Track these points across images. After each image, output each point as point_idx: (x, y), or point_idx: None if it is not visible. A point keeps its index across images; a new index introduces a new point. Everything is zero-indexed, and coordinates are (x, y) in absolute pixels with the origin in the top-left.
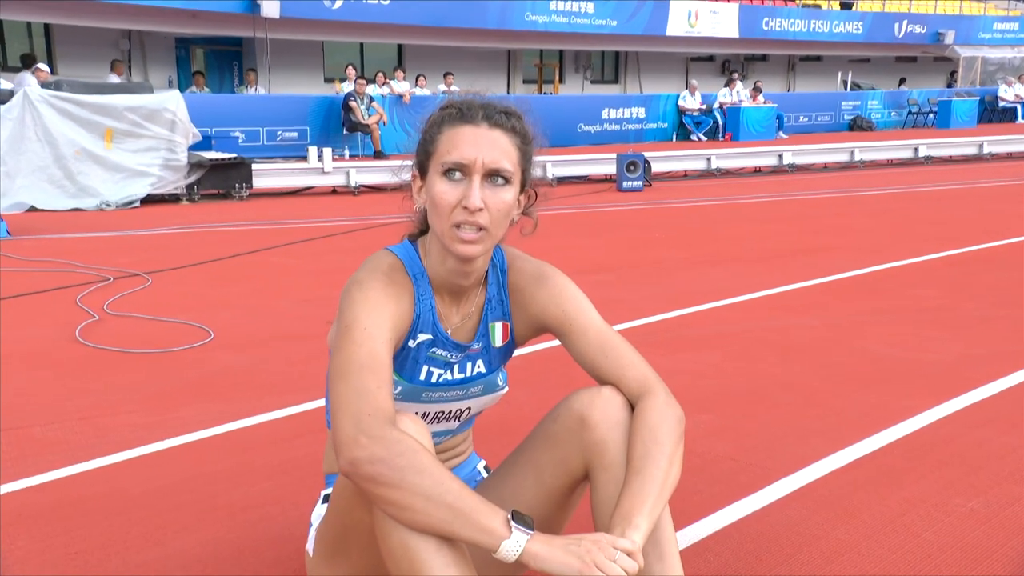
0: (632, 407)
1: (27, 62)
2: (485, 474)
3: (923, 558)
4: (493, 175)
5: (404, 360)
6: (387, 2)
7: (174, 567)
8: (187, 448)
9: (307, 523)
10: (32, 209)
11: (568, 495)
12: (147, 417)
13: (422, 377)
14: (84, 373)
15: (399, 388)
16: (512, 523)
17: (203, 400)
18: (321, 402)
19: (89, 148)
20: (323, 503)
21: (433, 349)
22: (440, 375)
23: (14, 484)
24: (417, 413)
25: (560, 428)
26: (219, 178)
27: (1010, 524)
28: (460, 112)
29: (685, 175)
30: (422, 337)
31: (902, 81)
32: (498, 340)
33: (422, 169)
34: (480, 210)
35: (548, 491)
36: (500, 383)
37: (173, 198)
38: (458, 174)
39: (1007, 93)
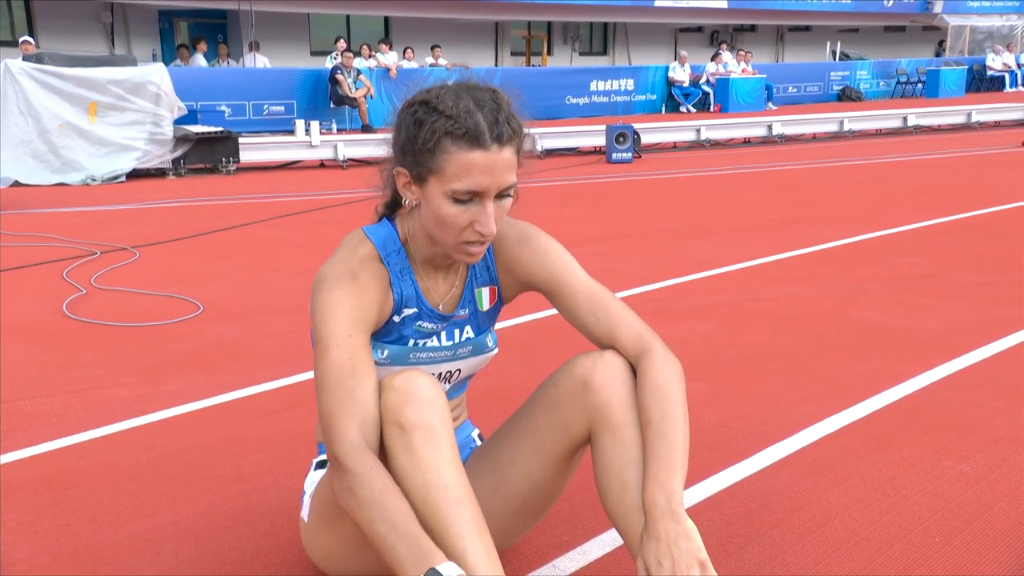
0: (633, 368)
1: None
2: (479, 442)
3: (913, 520)
4: (502, 193)
5: (389, 331)
6: None
7: (166, 537)
8: (178, 420)
9: (298, 492)
10: (16, 184)
11: (568, 460)
12: (137, 390)
13: (409, 344)
14: (72, 347)
15: (386, 352)
16: None
17: (193, 373)
18: (309, 375)
19: (73, 122)
20: (315, 470)
21: (419, 322)
22: (425, 343)
23: (5, 457)
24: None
25: (562, 392)
26: (205, 152)
27: (999, 486)
28: (467, 133)
29: (674, 146)
30: (407, 311)
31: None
32: (485, 304)
33: (416, 175)
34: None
35: (548, 456)
36: (490, 344)
37: (159, 172)
38: (468, 201)
39: (995, 62)
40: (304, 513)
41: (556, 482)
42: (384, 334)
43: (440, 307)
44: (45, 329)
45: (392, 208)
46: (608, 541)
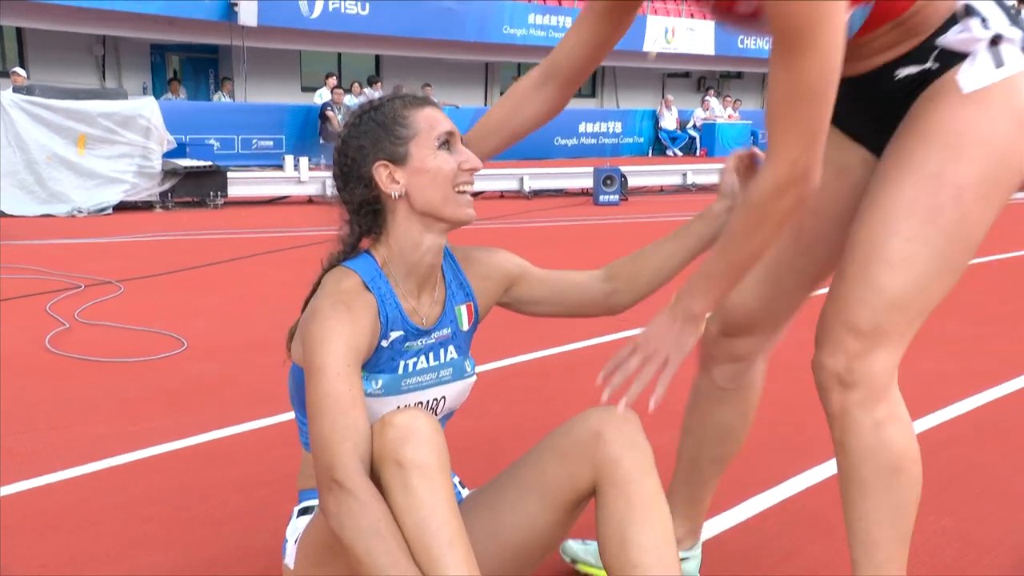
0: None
1: None
2: (460, 488)
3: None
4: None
5: (379, 358)
6: (365, 12)
7: None
8: (158, 460)
9: (279, 535)
10: (1, 215)
11: (571, 511)
12: (118, 427)
13: (400, 370)
14: (54, 382)
15: (379, 382)
16: None
17: (175, 411)
18: (293, 415)
19: (62, 154)
20: (298, 517)
21: (407, 343)
22: (415, 363)
23: None
24: (399, 407)
25: (572, 442)
26: (193, 186)
27: (983, 541)
28: (415, 98)
29: (661, 190)
30: (394, 335)
31: None
32: (464, 323)
33: (397, 156)
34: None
35: (551, 504)
36: (468, 369)
37: (146, 205)
38: (448, 144)
39: None
40: (289, 560)
41: (556, 532)
42: (374, 363)
43: (423, 322)
44: (27, 363)
45: (356, 243)
46: None
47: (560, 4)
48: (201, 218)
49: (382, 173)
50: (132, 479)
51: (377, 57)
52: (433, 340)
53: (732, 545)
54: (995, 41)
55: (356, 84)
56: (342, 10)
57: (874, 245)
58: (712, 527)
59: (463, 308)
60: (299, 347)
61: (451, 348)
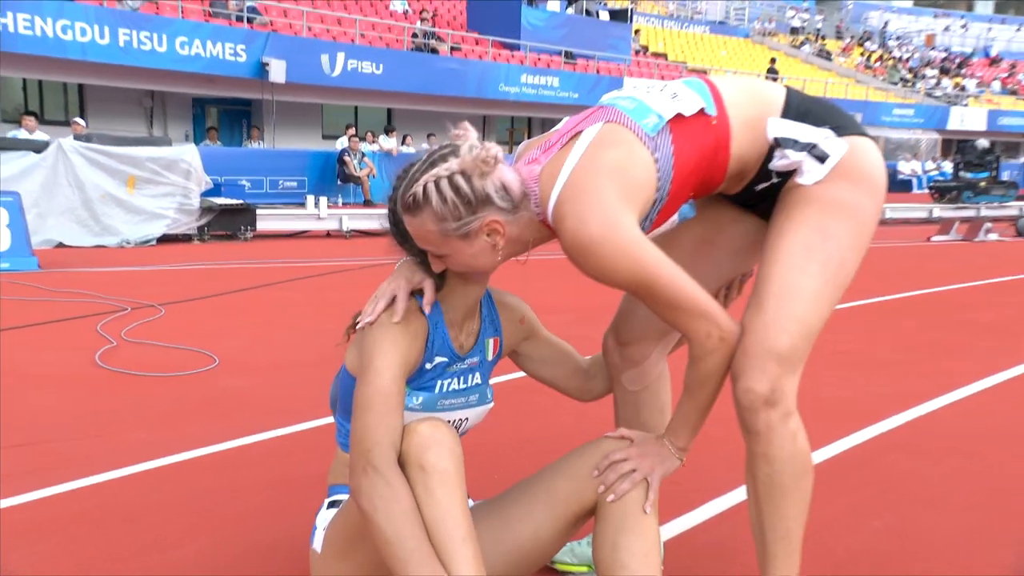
0: None
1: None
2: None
3: (836, 567)
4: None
5: (422, 378)
6: (379, 71)
7: (177, 572)
8: (192, 463)
9: (300, 531)
10: (60, 245)
11: (573, 523)
12: (158, 434)
13: (437, 389)
14: (102, 394)
15: (420, 399)
16: None
17: (208, 420)
18: (314, 423)
19: (113, 193)
20: (328, 508)
21: (449, 367)
22: (450, 385)
23: (37, 493)
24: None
25: (584, 464)
26: (227, 221)
27: (918, 539)
28: None
29: None
30: (439, 359)
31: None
32: (490, 354)
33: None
34: None
35: (557, 516)
36: (489, 396)
37: (186, 238)
38: None
39: (905, 167)
40: (316, 545)
41: (558, 541)
42: (418, 381)
43: (461, 349)
44: (79, 377)
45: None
46: None
47: (548, 67)
48: (233, 249)
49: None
50: (169, 480)
51: (389, 110)
52: (466, 366)
53: (696, 541)
54: (811, 147)
55: (370, 133)
56: (359, 69)
57: (788, 283)
58: (677, 526)
59: (491, 341)
60: (354, 354)
61: (477, 374)
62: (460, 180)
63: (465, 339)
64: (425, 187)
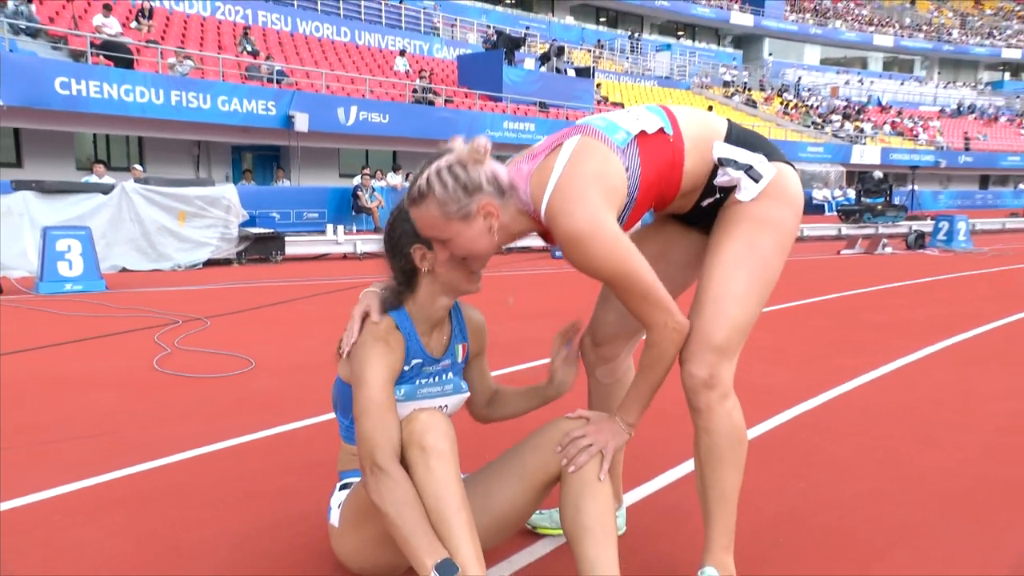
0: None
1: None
2: None
3: (765, 525)
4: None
5: (403, 376)
6: (386, 120)
7: (223, 542)
8: (230, 451)
9: (319, 505)
10: (123, 270)
11: (542, 491)
12: (203, 426)
13: (416, 383)
14: (160, 393)
15: (402, 391)
16: (435, 572)
17: (244, 414)
18: (330, 416)
19: (167, 225)
20: (340, 490)
21: (424, 367)
22: (427, 381)
23: (112, 474)
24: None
25: (547, 440)
26: (260, 247)
27: (830, 499)
28: None
29: None
30: (415, 361)
31: None
32: (459, 357)
33: (429, 245)
34: None
35: (528, 485)
36: (464, 388)
37: (227, 261)
38: None
39: (818, 194)
40: (333, 520)
41: (531, 507)
42: (402, 379)
43: (435, 353)
44: (139, 379)
45: (398, 292)
46: (542, 548)
47: (526, 115)
48: (266, 271)
49: (418, 254)
50: (212, 465)
51: (395, 152)
52: (440, 367)
53: (655, 504)
54: (748, 168)
55: (379, 171)
56: (369, 119)
57: (723, 287)
58: (640, 492)
59: (460, 347)
60: (346, 367)
61: (450, 373)
62: (458, 169)
63: (436, 344)
64: (428, 177)
